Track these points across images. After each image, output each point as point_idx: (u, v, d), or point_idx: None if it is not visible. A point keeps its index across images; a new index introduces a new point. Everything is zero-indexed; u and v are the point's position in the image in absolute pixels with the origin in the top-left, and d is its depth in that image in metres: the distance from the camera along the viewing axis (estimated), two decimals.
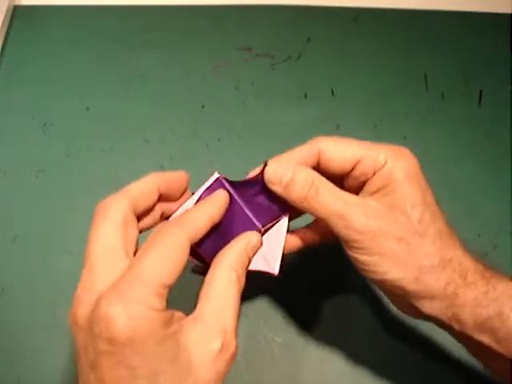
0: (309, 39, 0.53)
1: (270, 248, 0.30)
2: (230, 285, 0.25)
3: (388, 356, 0.37)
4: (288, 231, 0.31)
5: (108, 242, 0.24)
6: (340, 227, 0.27)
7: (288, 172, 0.28)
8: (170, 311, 0.23)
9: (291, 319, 0.38)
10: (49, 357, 0.37)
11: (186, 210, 0.27)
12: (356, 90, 0.50)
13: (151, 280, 0.22)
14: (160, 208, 0.28)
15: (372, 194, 0.28)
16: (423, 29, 0.54)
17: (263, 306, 0.39)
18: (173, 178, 0.28)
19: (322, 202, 0.27)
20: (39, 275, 0.40)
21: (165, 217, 0.29)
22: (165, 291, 0.23)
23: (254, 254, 0.29)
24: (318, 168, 0.30)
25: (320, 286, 0.39)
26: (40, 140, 0.47)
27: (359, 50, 0.53)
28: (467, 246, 0.28)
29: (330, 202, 0.27)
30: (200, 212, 0.27)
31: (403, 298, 0.28)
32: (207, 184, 0.29)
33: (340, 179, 0.30)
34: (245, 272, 0.27)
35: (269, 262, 0.29)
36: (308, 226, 0.32)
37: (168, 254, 0.24)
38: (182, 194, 0.29)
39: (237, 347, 0.24)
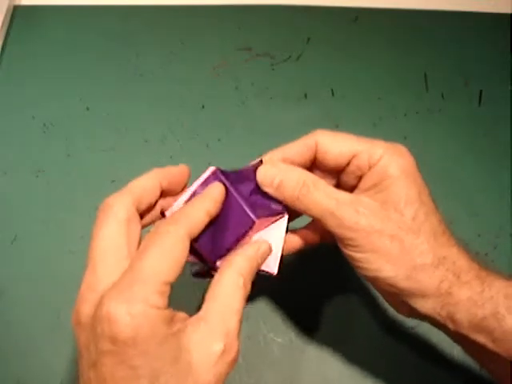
0: (309, 39, 0.53)
1: None
2: (236, 289, 0.25)
3: (388, 356, 0.37)
4: (287, 231, 0.30)
5: (111, 240, 0.24)
6: (333, 225, 0.27)
7: (279, 173, 0.28)
8: (172, 310, 0.23)
9: (291, 319, 0.38)
10: (49, 358, 0.37)
11: (183, 206, 0.27)
12: (356, 90, 0.50)
13: (152, 278, 0.22)
14: (159, 204, 0.28)
15: (367, 190, 0.28)
16: (423, 29, 0.54)
17: (263, 306, 0.39)
18: (175, 173, 0.28)
19: (313, 200, 0.27)
20: (39, 275, 0.40)
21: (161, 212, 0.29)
22: (166, 289, 0.23)
23: (263, 262, 0.28)
24: (315, 161, 0.30)
25: (320, 286, 0.39)
26: (40, 140, 0.47)
27: (359, 49, 0.53)
28: (467, 246, 0.27)
29: (322, 200, 0.27)
30: (197, 207, 0.26)
31: (397, 296, 0.27)
32: (202, 178, 0.28)
33: (336, 175, 0.30)
34: (252, 279, 0.27)
35: (268, 262, 0.29)
36: (307, 226, 0.32)
37: (168, 251, 0.23)
38: (183, 189, 0.29)
39: (239, 350, 0.24)
